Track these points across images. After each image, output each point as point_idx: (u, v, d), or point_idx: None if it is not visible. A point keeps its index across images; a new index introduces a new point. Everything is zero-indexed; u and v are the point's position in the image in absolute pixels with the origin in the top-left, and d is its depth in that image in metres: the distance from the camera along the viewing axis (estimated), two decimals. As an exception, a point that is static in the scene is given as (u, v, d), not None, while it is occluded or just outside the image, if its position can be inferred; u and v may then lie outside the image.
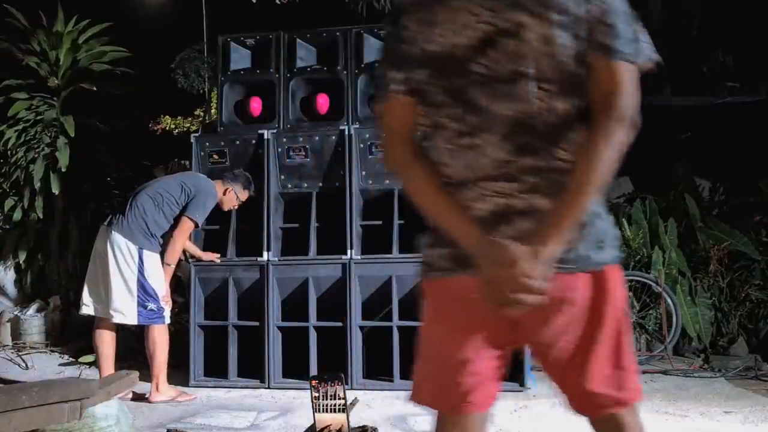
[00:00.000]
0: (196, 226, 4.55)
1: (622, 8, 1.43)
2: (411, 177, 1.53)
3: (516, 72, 1.42)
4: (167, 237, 4.51)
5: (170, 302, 4.55)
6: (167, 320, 4.50)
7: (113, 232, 4.39)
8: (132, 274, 4.34)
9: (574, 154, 1.42)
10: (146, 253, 4.38)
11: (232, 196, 4.76)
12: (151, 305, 4.38)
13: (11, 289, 6.64)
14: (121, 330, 5.75)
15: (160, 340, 4.43)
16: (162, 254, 4.49)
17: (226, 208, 4.83)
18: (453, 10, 1.45)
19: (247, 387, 4.73)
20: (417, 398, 1.64)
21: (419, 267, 1.60)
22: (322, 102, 5.00)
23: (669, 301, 5.44)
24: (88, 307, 4.51)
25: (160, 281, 4.43)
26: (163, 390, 4.43)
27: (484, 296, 1.39)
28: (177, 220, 4.48)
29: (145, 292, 4.35)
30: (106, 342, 4.49)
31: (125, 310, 4.35)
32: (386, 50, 1.59)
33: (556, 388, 1.56)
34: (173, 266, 4.54)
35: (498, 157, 1.44)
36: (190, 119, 8.13)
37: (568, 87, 1.42)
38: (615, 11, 1.41)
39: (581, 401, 1.51)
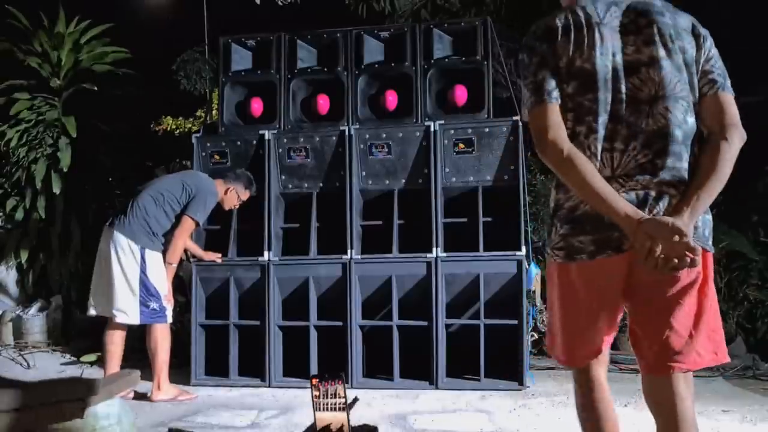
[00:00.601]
0: (197, 225, 4.58)
1: (718, 53, 1.95)
2: (577, 168, 1.82)
3: (655, 95, 1.86)
4: (169, 236, 4.54)
5: (172, 301, 4.57)
6: (169, 319, 4.52)
7: (115, 232, 4.41)
8: (134, 274, 4.37)
9: (695, 156, 1.86)
10: (148, 253, 4.41)
11: (234, 195, 4.79)
12: (153, 304, 4.40)
13: (13, 288, 6.67)
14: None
15: (161, 340, 4.45)
16: (164, 253, 4.52)
17: (227, 207, 4.86)
18: (603, 37, 1.88)
19: (248, 386, 4.76)
20: (554, 352, 2.08)
21: (553, 252, 1.96)
22: (323, 103, 5.02)
23: (668, 300, 5.45)
24: (94, 308, 4.54)
25: (162, 280, 4.46)
26: (164, 389, 4.46)
27: (646, 263, 1.73)
28: (178, 219, 4.51)
29: (147, 291, 4.38)
30: (116, 341, 4.51)
31: (128, 310, 4.38)
32: (539, 62, 1.91)
33: (639, 351, 1.93)
34: (175, 265, 4.57)
35: (639, 159, 1.85)
36: (191, 120, 8.18)
37: (686, 107, 1.87)
38: (717, 56, 1.95)
39: (670, 358, 1.85)
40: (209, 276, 4.95)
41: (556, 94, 1.89)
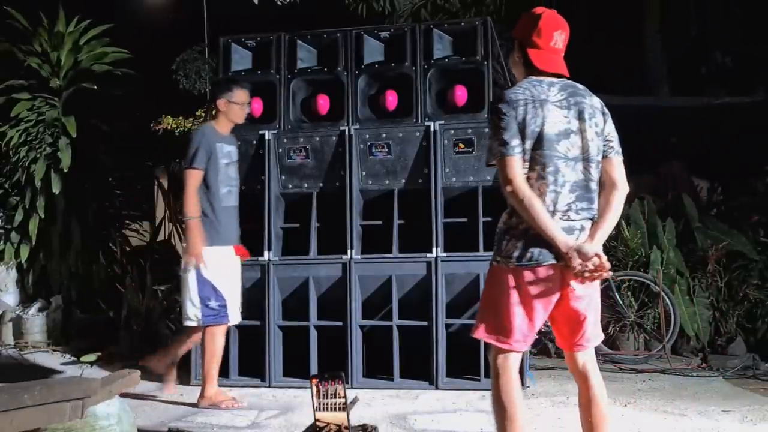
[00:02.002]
0: (197, 169, 4.23)
1: (614, 126, 2.67)
2: (532, 203, 2.46)
3: (579, 156, 2.56)
4: (223, 216, 4.30)
5: (241, 253, 4.39)
6: (233, 320, 4.33)
7: None
8: (193, 276, 4.20)
9: (599, 200, 2.60)
10: (203, 250, 4.19)
11: (230, 105, 4.37)
12: (213, 302, 4.21)
13: (13, 288, 6.66)
14: (123, 329, 5.78)
15: (208, 345, 4.23)
16: (223, 240, 4.29)
17: (240, 120, 4.48)
18: (549, 110, 2.54)
19: (248, 386, 4.75)
20: (484, 337, 2.66)
21: (510, 257, 2.54)
22: (323, 103, 5.01)
23: (667, 300, 5.46)
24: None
25: (218, 275, 4.22)
26: (206, 395, 4.26)
27: (576, 274, 2.45)
28: (208, 191, 4.28)
29: (203, 289, 4.19)
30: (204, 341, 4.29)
31: (194, 313, 4.22)
32: (504, 124, 2.52)
33: (564, 337, 2.65)
34: (194, 219, 4.18)
35: (568, 200, 2.54)
36: (191, 119, 8.16)
37: (597, 165, 2.60)
38: (614, 128, 2.66)
39: (587, 340, 2.63)
40: (209, 276, 4.94)
41: (519, 149, 2.51)
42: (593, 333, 2.65)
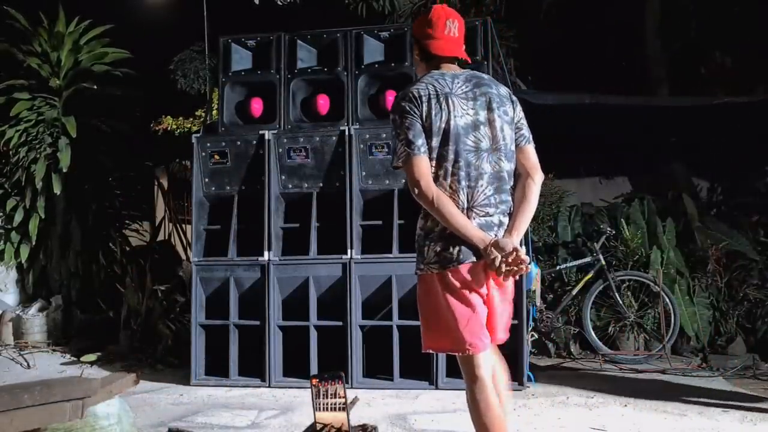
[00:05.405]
0: None
1: (523, 114, 2.64)
2: (441, 203, 2.41)
3: (491, 147, 2.51)
4: None
5: None
6: None
7: None
8: None
9: (514, 191, 2.56)
10: None
11: None
12: None
13: (13, 288, 6.67)
14: (123, 329, 5.78)
15: None
16: None
17: None
18: (453, 103, 2.48)
19: (247, 386, 4.76)
20: (435, 347, 2.62)
21: (432, 263, 2.47)
22: (323, 103, 5.02)
23: (667, 300, 5.46)
24: None
25: None
26: None
27: (494, 270, 2.38)
28: None
29: None
30: None
31: None
32: (408, 123, 2.46)
33: (491, 329, 2.51)
34: None
35: (486, 193, 2.48)
36: (191, 119, 8.17)
37: (510, 155, 2.55)
38: (523, 116, 2.63)
39: (495, 339, 2.54)
40: (209, 276, 4.95)
41: (424, 148, 2.44)
42: (501, 336, 2.59)
